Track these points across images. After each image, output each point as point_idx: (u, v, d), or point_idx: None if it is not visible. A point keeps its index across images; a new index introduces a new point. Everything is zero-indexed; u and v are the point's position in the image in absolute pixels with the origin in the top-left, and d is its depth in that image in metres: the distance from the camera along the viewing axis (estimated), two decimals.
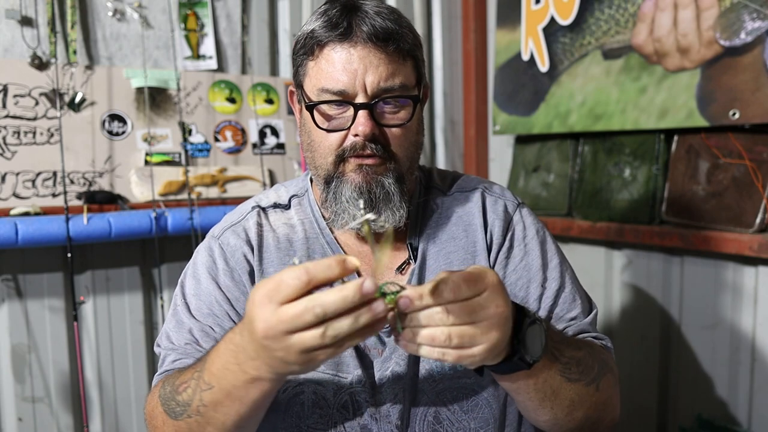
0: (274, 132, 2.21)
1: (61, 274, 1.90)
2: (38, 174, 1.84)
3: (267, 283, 0.73)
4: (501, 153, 2.50)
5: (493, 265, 1.11)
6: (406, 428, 1.02)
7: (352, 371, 1.03)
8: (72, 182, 1.88)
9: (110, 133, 1.95)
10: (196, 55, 2.09)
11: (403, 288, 0.76)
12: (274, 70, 2.27)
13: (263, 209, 1.13)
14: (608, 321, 2.03)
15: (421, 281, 1.07)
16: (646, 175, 1.86)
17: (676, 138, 1.81)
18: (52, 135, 1.86)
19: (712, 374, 1.75)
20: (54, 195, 1.86)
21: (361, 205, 0.99)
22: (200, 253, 1.12)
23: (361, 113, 0.98)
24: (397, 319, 0.76)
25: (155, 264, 2.02)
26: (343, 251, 1.09)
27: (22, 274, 1.86)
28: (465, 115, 2.58)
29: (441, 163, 2.60)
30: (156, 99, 2.01)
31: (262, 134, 2.18)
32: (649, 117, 1.79)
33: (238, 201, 2.02)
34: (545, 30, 2.12)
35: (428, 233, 1.11)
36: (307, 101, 1.02)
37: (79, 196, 1.87)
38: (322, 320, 0.70)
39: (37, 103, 1.84)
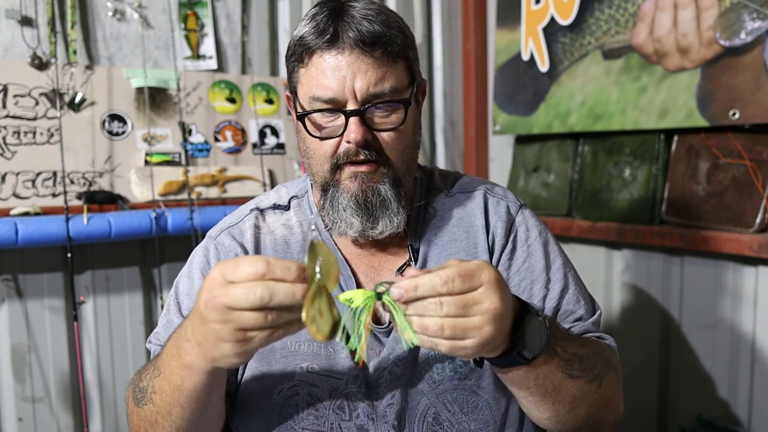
0: (274, 132, 2.21)
1: (61, 274, 1.90)
2: (38, 174, 1.84)
3: (227, 262, 0.76)
4: (501, 153, 2.50)
5: (496, 267, 1.10)
6: (403, 429, 1.02)
7: (347, 372, 1.02)
8: (72, 182, 1.88)
9: (110, 133, 1.95)
10: (196, 55, 2.09)
11: (392, 283, 0.78)
12: (274, 70, 2.27)
13: (261, 211, 1.13)
14: (608, 321, 2.03)
15: None
16: (646, 175, 1.86)
17: (676, 138, 1.81)
18: (52, 135, 1.86)
19: (712, 374, 1.75)
20: (54, 195, 1.86)
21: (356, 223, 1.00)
22: (197, 253, 1.13)
23: (352, 120, 0.97)
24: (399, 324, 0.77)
25: (155, 264, 2.02)
26: (341, 254, 1.09)
27: (22, 274, 1.86)
28: (465, 115, 2.58)
29: (441, 163, 2.60)
30: (156, 99, 2.01)
31: (262, 134, 2.18)
32: (649, 117, 1.79)
33: (238, 201, 2.02)
34: (545, 30, 2.12)
35: (429, 235, 1.11)
36: (299, 110, 1.02)
37: (79, 196, 1.87)
38: (265, 307, 0.73)
39: (37, 103, 1.84)
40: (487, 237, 1.11)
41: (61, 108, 1.87)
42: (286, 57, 1.04)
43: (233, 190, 2.09)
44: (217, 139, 2.12)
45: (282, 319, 0.74)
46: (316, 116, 1.00)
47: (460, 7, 2.56)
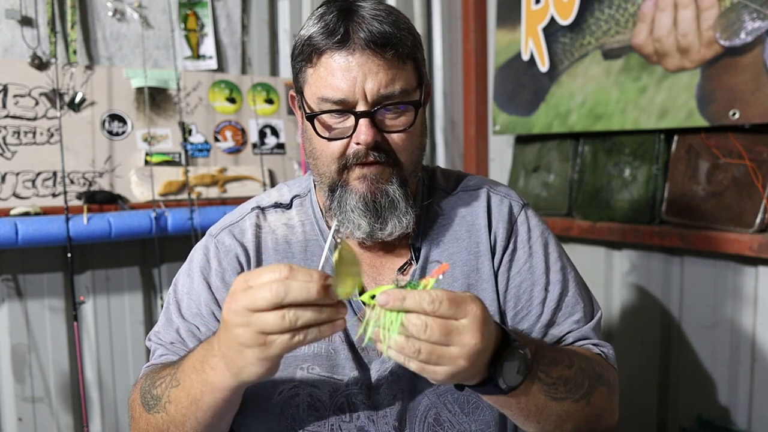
0: (274, 132, 2.21)
1: (61, 274, 1.90)
2: (38, 174, 1.84)
3: (251, 271, 0.78)
4: (501, 153, 2.50)
5: (498, 268, 1.10)
6: (404, 430, 1.02)
7: (348, 373, 1.02)
8: (72, 182, 1.88)
9: (110, 133, 1.95)
10: (196, 55, 2.09)
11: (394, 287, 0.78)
12: (274, 70, 2.27)
13: (263, 210, 1.13)
14: (608, 321, 2.03)
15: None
16: (646, 175, 1.86)
17: (676, 138, 1.81)
18: (52, 135, 1.86)
19: (712, 374, 1.75)
20: (54, 195, 1.86)
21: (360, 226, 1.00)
22: (197, 251, 1.12)
23: (363, 121, 0.96)
24: (364, 323, 0.77)
25: (155, 264, 2.02)
26: None
27: (22, 274, 1.86)
28: (465, 115, 2.58)
29: (441, 163, 2.60)
30: (156, 99, 2.01)
31: (262, 134, 2.18)
32: (649, 117, 1.79)
33: (238, 201, 2.02)
34: (545, 30, 2.12)
35: (431, 234, 1.10)
36: (307, 110, 1.01)
37: (79, 196, 1.87)
38: (284, 306, 0.74)
39: (37, 103, 1.84)
40: (489, 236, 1.10)
41: (61, 108, 1.87)
42: (292, 56, 1.04)
43: (233, 190, 2.09)
44: (217, 139, 2.12)
45: (301, 320, 0.74)
46: (324, 117, 0.99)
47: (460, 7, 2.56)
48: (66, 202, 1.81)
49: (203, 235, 1.16)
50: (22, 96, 1.82)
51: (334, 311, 0.77)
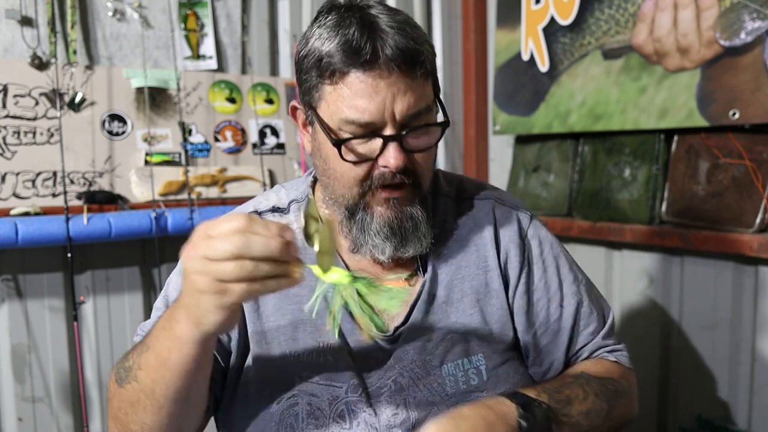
0: (274, 132, 2.21)
1: (61, 274, 1.90)
2: (38, 174, 1.84)
3: (215, 219, 0.77)
4: (501, 153, 2.50)
5: (516, 287, 1.09)
6: None
7: (347, 380, 1.00)
8: (72, 182, 1.88)
9: (110, 133, 1.95)
10: (196, 55, 2.09)
11: (365, 278, 0.80)
12: (274, 70, 2.27)
13: (260, 214, 1.10)
14: None
15: (432, 294, 1.05)
16: (646, 175, 1.86)
17: (676, 138, 1.81)
18: (52, 135, 1.86)
19: (712, 374, 1.75)
20: (54, 195, 1.86)
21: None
22: None
23: (392, 145, 0.92)
24: (315, 296, 0.80)
25: (155, 264, 2.02)
26: (341, 259, 1.06)
27: (22, 274, 1.86)
28: (465, 115, 2.58)
29: (441, 164, 2.59)
30: (156, 99, 2.01)
31: (262, 134, 2.18)
32: (649, 117, 1.79)
33: (238, 201, 2.02)
34: (545, 30, 2.12)
35: (437, 245, 1.07)
36: (328, 132, 0.94)
37: (79, 196, 1.87)
38: (241, 257, 0.73)
39: (37, 103, 1.84)
40: (497, 252, 1.09)
41: (61, 108, 1.87)
42: (301, 69, 0.97)
43: (233, 190, 2.09)
44: (217, 139, 2.12)
45: (260, 271, 0.74)
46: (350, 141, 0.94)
47: (460, 7, 2.56)
48: (66, 202, 1.81)
49: None
50: (22, 96, 1.82)
51: (293, 265, 0.76)
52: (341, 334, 1.03)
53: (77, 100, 1.90)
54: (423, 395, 1.01)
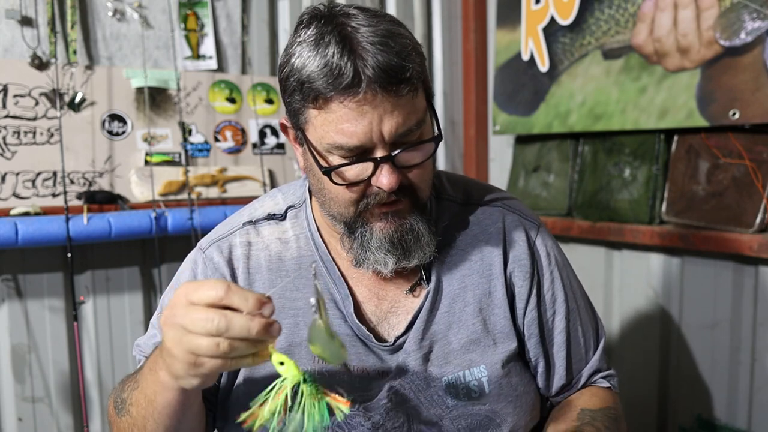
0: (274, 132, 2.21)
1: (61, 274, 1.90)
2: (38, 174, 1.84)
3: (192, 282, 0.76)
4: (501, 153, 2.50)
5: (513, 292, 1.07)
6: None
7: (344, 392, 1.00)
8: (72, 182, 1.88)
9: (110, 133, 1.95)
10: (196, 55, 2.09)
11: (314, 383, 0.78)
12: (274, 70, 2.27)
13: (255, 224, 1.07)
14: (608, 321, 2.03)
15: (434, 304, 1.04)
16: (646, 175, 1.86)
17: (676, 138, 1.81)
18: (52, 135, 1.86)
19: (712, 374, 1.75)
20: (54, 195, 1.86)
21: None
22: (185, 264, 1.09)
23: (384, 167, 0.89)
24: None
25: (155, 264, 2.02)
26: (338, 268, 1.04)
27: (22, 274, 1.86)
28: (465, 115, 2.58)
29: (441, 164, 2.60)
30: (156, 99, 2.01)
31: (262, 134, 2.18)
32: (649, 117, 1.79)
33: (238, 201, 2.02)
34: (545, 30, 2.12)
35: (441, 252, 1.05)
36: (318, 159, 0.92)
37: (79, 196, 1.87)
38: (220, 335, 0.72)
39: (37, 103, 1.84)
40: (504, 261, 1.07)
41: (61, 108, 1.87)
42: (285, 90, 0.92)
43: (233, 190, 2.09)
44: (217, 139, 2.12)
45: (234, 351, 0.73)
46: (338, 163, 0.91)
47: (460, 7, 2.56)
48: (66, 202, 1.81)
49: (203, 235, 1.14)
50: (22, 96, 1.82)
51: (267, 342, 0.75)
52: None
53: (77, 100, 1.90)
54: (424, 407, 1.00)
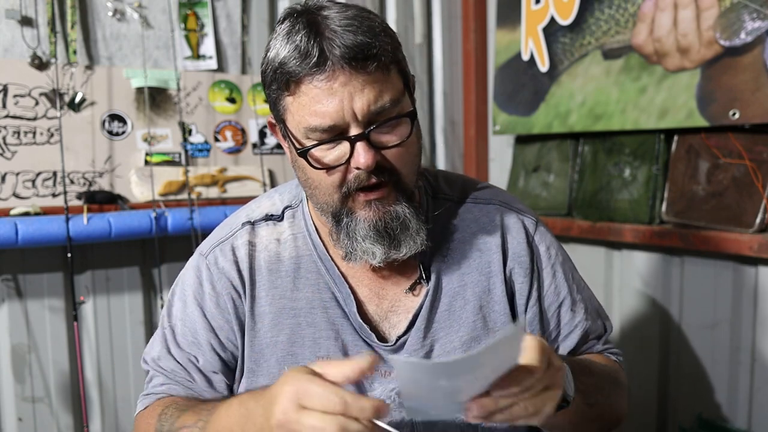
0: None
1: (61, 274, 1.90)
2: (38, 174, 1.84)
3: (299, 382, 0.74)
4: (501, 153, 2.50)
5: (513, 288, 1.08)
6: None
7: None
8: (72, 182, 1.88)
9: (110, 133, 1.95)
10: (196, 55, 2.09)
11: None
12: None
13: (253, 224, 1.07)
14: None
15: (434, 303, 1.04)
16: (646, 175, 1.86)
17: (676, 138, 1.81)
18: (52, 135, 1.86)
19: (712, 374, 1.75)
20: (54, 195, 1.86)
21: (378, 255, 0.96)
22: (188, 272, 1.08)
23: (359, 145, 0.89)
24: None
25: (155, 264, 2.02)
26: (337, 268, 1.04)
27: (22, 274, 1.86)
28: (465, 115, 2.58)
29: (441, 164, 2.60)
30: (156, 99, 2.01)
31: (262, 134, 2.18)
32: (649, 117, 1.79)
33: (238, 201, 2.02)
34: (545, 30, 2.12)
35: (440, 251, 1.05)
36: (295, 143, 0.94)
37: (79, 196, 1.88)
38: None
39: (37, 103, 1.84)
40: (503, 258, 1.07)
41: (61, 108, 1.87)
42: (264, 83, 0.95)
43: (233, 190, 2.09)
44: (217, 139, 2.12)
45: None
46: (316, 147, 0.92)
47: (460, 7, 2.56)
48: (66, 202, 1.81)
49: (204, 235, 1.14)
50: (22, 96, 1.82)
51: None
52: (344, 347, 1.01)
53: (77, 100, 1.90)
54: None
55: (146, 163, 1.97)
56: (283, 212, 1.08)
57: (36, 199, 1.83)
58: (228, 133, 2.14)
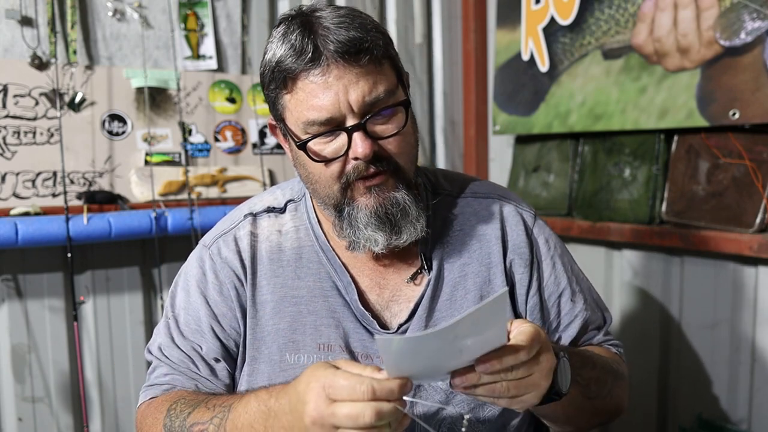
0: None
1: (61, 274, 1.90)
2: (38, 174, 1.84)
3: (326, 376, 0.75)
4: (501, 153, 2.50)
5: (513, 279, 1.09)
6: None
7: None
8: (72, 182, 1.88)
9: (110, 133, 1.96)
10: (196, 55, 2.09)
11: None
12: None
13: (255, 216, 1.10)
14: None
15: (436, 292, 1.06)
16: (646, 175, 1.86)
17: (676, 138, 1.81)
18: (52, 135, 1.86)
19: (712, 374, 1.75)
20: (54, 195, 1.86)
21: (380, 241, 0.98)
22: (191, 263, 1.10)
23: (356, 135, 0.92)
24: None
25: (155, 264, 2.02)
26: (338, 258, 1.06)
27: (22, 274, 1.86)
28: (465, 115, 2.58)
29: (441, 163, 2.60)
30: (156, 99, 2.01)
31: (262, 134, 2.18)
32: (649, 117, 1.79)
33: (238, 201, 2.01)
34: (545, 30, 2.12)
35: (441, 241, 1.08)
36: (295, 139, 0.97)
37: (79, 196, 1.88)
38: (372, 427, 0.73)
39: (37, 103, 1.84)
40: (503, 249, 1.09)
41: (61, 108, 1.87)
42: (263, 85, 0.99)
43: (233, 190, 2.09)
44: (217, 139, 2.12)
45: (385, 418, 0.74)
46: (315, 140, 0.95)
47: (460, 7, 2.56)
48: (66, 202, 1.81)
49: (203, 235, 1.15)
50: (22, 96, 1.82)
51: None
52: (345, 334, 1.02)
53: (77, 100, 1.90)
54: (427, 395, 1.02)
55: (146, 163, 1.97)
56: (285, 205, 1.11)
57: (36, 199, 1.83)
58: (228, 133, 2.14)
